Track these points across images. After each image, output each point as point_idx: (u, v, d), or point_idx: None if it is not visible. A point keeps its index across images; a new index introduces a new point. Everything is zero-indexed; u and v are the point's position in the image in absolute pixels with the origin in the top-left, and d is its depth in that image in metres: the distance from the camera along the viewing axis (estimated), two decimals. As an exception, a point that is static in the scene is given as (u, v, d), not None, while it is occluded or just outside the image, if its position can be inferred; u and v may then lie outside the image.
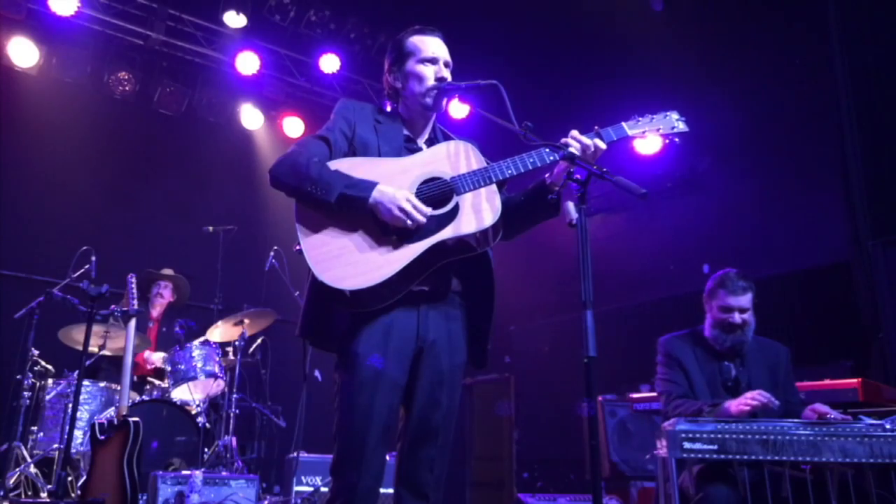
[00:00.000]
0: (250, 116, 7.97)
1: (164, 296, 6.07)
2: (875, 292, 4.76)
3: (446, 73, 2.49)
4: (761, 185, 5.93)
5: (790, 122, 5.78)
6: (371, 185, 2.24)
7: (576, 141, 2.28)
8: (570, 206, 2.15)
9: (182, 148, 7.61)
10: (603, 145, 2.31)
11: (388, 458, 2.29)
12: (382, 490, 2.32)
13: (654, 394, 4.58)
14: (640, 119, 2.43)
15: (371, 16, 7.72)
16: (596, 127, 2.37)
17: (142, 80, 7.35)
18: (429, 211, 2.25)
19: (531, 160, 2.32)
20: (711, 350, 3.37)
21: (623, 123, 2.42)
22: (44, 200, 6.64)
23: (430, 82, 2.46)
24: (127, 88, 7.27)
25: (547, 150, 2.30)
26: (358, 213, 2.25)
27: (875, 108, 5.04)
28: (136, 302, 4.53)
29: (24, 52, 6.73)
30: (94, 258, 5.22)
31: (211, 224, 6.60)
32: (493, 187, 2.31)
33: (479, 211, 2.26)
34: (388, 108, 2.59)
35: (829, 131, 5.30)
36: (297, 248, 2.30)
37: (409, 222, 2.21)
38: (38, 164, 6.72)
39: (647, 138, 2.42)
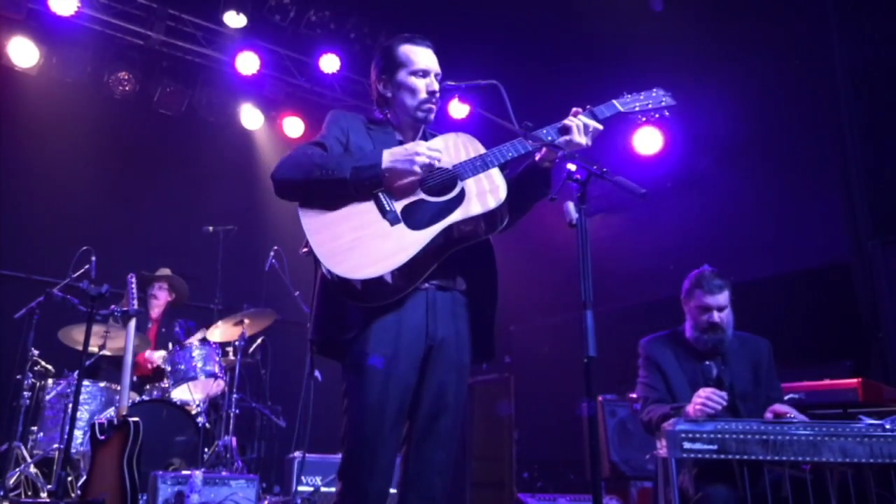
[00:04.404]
0: (250, 116, 7.97)
1: (158, 297, 6.07)
2: (875, 292, 4.76)
3: (437, 87, 2.48)
4: (761, 185, 5.92)
5: (790, 122, 5.77)
6: (378, 152, 2.28)
7: (574, 121, 2.35)
8: (570, 206, 2.16)
9: (182, 148, 7.61)
10: (600, 126, 2.38)
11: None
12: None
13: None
14: (630, 95, 2.51)
15: (371, 16, 7.72)
16: (588, 106, 2.43)
17: (142, 80, 7.35)
18: (437, 154, 2.29)
19: (530, 142, 2.35)
20: (692, 350, 3.36)
21: (614, 101, 2.49)
22: (44, 200, 6.64)
23: (423, 95, 2.45)
24: (127, 88, 7.27)
25: (544, 130, 2.37)
26: (371, 183, 2.26)
27: (875, 108, 5.04)
28: (135, 302, 4.53)
29: (24, 52, 6.73)
30: (94, 258, 5.21)
31: (211, 224, 6.60)
32: (496, 170, 2.33)
33: (484, 193, 2.28)
34: (379, 116, 2.57)
35: (829, 131, 5.29)
36: (305, 250, 2.28)
37: (435, 163, 2.26)
38: (38, 164, 6.72)
39: (639, 115, 2.50)
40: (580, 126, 2.33)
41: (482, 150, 2.37)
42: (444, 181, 2.31)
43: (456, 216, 2.24)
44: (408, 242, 2.21)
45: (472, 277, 2.41)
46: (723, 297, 3.29)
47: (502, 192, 2.28)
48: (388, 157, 2.25)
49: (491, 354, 2.43)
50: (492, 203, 2.26)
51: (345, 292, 2.22)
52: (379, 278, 2.17)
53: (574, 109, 2.39)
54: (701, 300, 3.29)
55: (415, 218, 2.25)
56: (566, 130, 2.34)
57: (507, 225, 2.37)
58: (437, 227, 2.23)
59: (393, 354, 2.21)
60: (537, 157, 2.40)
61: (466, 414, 7.52)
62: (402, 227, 2.24)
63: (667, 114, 2.52)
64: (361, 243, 2.22)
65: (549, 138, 2.35)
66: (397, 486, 2.32)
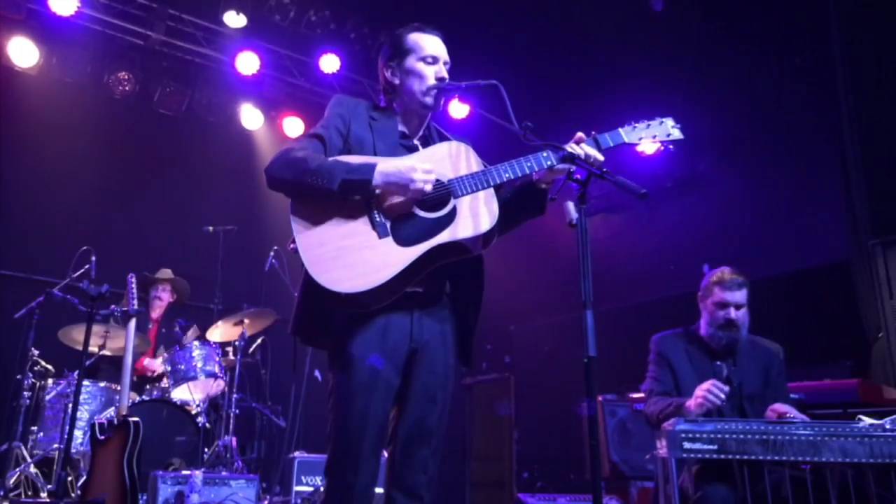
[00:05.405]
0: (250, 116, 7.97)
1: (162, 298, 6.08)
2: (875, 292, 4.76)
3: (446, 74, 2.47)
4: (761, 185, 5.92)
5: (790, 122, 5.77)
6: (371, 167, 2.22)
7: (576, 149, 2.27)
8: (570, 206, 2.15)
9: (182, 148, 7.60)
10: (601, 157, 2.30)
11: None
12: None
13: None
14: (637, 125, 2.43)
15: (371, 16, 7.72)
16: (593, 133, 2.36)
17: (142, 80, 7.34)
18: (434, 177, 2.23)
19: (528, 164, 2.31)
20: (706, 348, 3.37)
21: (620, 130, 2.41)
22: (44, 200, 6.64)
23: (431, 82, 2.44)
24: (127, 88, 7.26)
25: (545, 153, 2.30)
26: (361, 196, 2.22)
27: (875, 108, 5.04)
28: (136, 302, 4.53)
29: (24, 52, 6.72)
30: (94, 258, 5.22)
31: (211, 224, 6.60)
32: (491, 191, 2.30)
33: (476, 215, 2.25)
34: (383, 104, 2.56)
35: (829, 131, 5.30)
36: (292, 246, 2.28)
37: (427, 189, 2.20)
38: (38, 164, 6.71)
39: (643, 145, 2.42)
40: (581, 156, 2.27)
41: (481, 165, 2.35)
42: (439, 195, 2.28)
43: (443, 237, 2.22)
44: (392, 260, 2.20)
45: (459, 282, 2.41)
46: (741, 295, 3.31)
47: (493, 216, 2.25)
48: (380, 176, 2.20)
49: (468, 362, 2.43)
50: (482, 227, 2.24)
51: (327, 298, 2.22)
52: (360, 293, 2.17)
53: (578, 136, 2.32)
54: (719, 296, 3.31)
55: (404, 232, 2.23)
56: (568, 158, 2.27)
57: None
58: (422, 246, 2.21)
59: (378, 356, 2.22)
60: (535, 176, 2.37)
61: (466, 414, 7.51)
62: (389, 240, 2.22)
63: (671, 147, 2.48)
64: (346, 254, 2.21)
65: (549, 163, 2.29)
66: (383, 485, 2.33)
